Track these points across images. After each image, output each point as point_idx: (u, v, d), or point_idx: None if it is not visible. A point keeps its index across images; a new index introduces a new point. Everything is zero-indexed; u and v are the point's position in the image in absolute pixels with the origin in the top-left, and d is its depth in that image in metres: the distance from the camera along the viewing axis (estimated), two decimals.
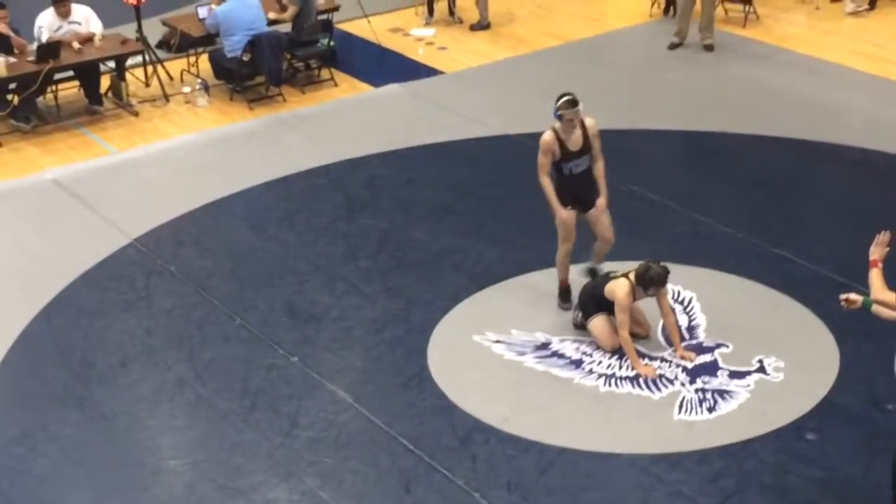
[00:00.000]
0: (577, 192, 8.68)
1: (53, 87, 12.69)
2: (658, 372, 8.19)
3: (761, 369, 8.20)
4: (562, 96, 8.44)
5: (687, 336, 8.57)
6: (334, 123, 12.41)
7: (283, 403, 8.01)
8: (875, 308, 6.35)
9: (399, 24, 15.25)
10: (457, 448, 7.55)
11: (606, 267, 8.83)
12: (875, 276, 6.28)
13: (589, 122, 8.55)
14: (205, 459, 7.54)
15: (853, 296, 6.47)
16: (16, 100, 12.27)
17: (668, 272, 8.24)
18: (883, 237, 6.35)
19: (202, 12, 13.19)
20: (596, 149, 8.61)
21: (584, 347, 8.50)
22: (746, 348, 8.40)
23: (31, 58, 12.18)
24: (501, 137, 11.88)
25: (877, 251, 6.34)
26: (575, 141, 8.51)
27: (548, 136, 8.52)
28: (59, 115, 12.69)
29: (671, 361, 8.31)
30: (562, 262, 8.91)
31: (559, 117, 8.43)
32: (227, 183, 11.06)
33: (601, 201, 8.70)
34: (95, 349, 8.66)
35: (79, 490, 7.34)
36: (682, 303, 8.96)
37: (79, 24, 12.63)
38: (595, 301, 8.46)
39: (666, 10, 15.14)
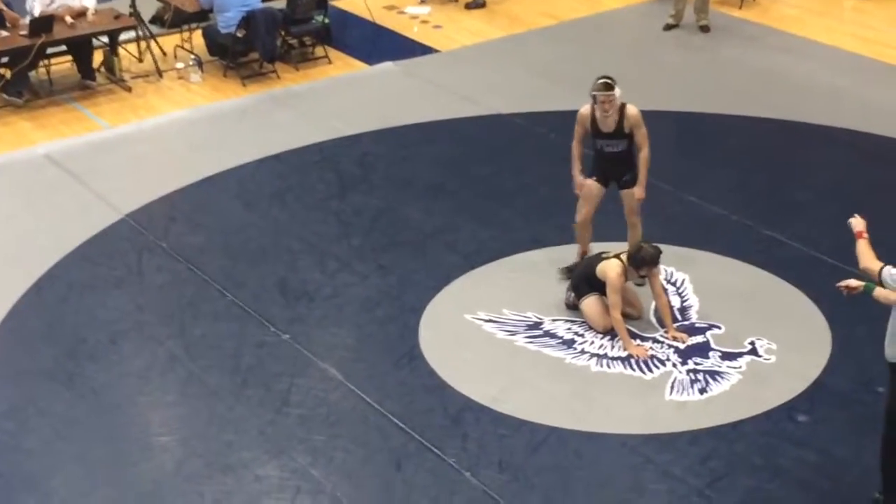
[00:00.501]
0: (605, 168, 8.74)
1: (46, 62, 12.65)
2: (650, 353, 8.19)
3: (753, 351, 8.20)
4: (599, 78, 8.49)
5: (679, 317, 8.56)
6: (328, 101, 12.36)
7: (274, 381, 8.00)
8: (876, 293, 6.30)
9: (394, 1, 15.18)
10: (448, 427, 7.54)
11: (598, 248, 8.82)
12: (863, 246, 6.36)
13: (630, 110, 8.53)
14: (195, 436, 7.54)
15: (853, 282, 6.40)
16: (8, 74, 12.20)
17: (659, 253, 8.24)
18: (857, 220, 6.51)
19: None
20: (638, 137, 8.58)
21: (575, 328, 8.49)
22: (738, 330, 8.40)
23: (24, 32, 12.12)
24: (495, 116, 11.85)
25: (858, 224, 6.44)
26: (608, 123, 8.54)
27: (584, 109, 8.65)
28: (51, 90, 12.64)
29: (663, 342, 8.31)
30: (579, 231, 8.91)
31: (593, 97, 8.48)
32: (220, 159, 11.02)
33: (636, 191, 8.68)
34: (86, 325, 8.64)
35: (69, 465, 7.32)
36: (674, 284, 8.95)
37: None
38: (587, 281, 8.45)
39: None
